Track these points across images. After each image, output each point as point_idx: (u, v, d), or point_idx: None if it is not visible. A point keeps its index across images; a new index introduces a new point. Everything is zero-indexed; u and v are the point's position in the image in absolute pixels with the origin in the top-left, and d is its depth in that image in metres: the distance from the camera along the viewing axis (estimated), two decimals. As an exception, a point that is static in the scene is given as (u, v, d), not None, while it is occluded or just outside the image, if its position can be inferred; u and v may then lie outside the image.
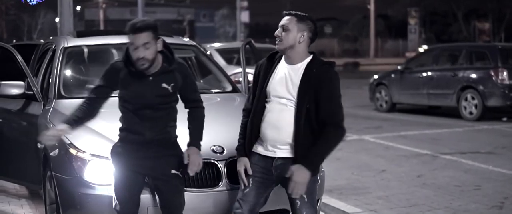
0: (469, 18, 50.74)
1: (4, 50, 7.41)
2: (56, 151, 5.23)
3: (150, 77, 4.43)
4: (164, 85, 4.44)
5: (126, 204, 4.59)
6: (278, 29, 4.43)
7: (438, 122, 14.96)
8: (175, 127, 4.62)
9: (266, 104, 4.46)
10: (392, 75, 17.34)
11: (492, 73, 14.85)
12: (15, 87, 6.31)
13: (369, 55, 60.01)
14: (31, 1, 15.40)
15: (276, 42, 4.44)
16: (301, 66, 4.42)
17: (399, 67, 17.54)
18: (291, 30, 4.40)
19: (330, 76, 4.38)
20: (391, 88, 17.04)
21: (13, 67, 7.40)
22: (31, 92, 6.34)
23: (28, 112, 6.40)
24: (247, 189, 4.51)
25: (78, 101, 6.01)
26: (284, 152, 4.44)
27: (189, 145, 4.61)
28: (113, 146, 4.62)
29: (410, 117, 15.99)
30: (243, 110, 4.66)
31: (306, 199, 4.46)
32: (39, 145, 5.89)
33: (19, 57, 6.64)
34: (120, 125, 4.62)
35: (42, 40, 8.45)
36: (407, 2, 56.17)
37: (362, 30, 65.25)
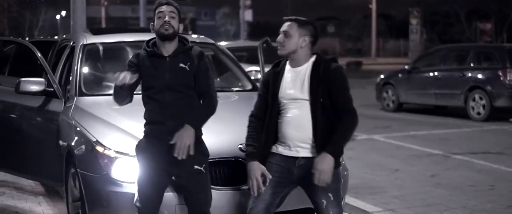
0: (471, 19, 50.64)
1: (22, 46, 7.41)
2: (82, 148, 5.23)
3: (167, 58, 4.56)
4: (181, 65, 4.56)
5: (147, 202, 4.59)
6: (280, 35, 4.53)
7: (446, 122, 14.96)
8: None
9: (281, 109, 4.54)
10: (399, 75, 17.34)
11: (500, 73, 14.85)
12: (35, 84, 6.27)
13: (371, 55, 59.97)
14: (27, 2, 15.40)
15: (278, 47, 4.54)
16: (307, 66, 4.54)
17: (406, 67, 17.53)
18: (293, 36, 4.52)
19: (337, 71, 4.51)
20: (398, 88, 17.03)
21: (28, 64, 7.40)
22: (52, 89, 6.32)
23: (48, 109, 6.38)
24: (264, 188, 4.52)
25: (100, 98, 6.08)
26: (307, 151, 4.50)
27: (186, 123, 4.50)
28: (139, 142, 4.63)
29: (418, 117, 15.98)
30: (251, 115, 4.68)
31: (332, 198, 4.49)
32: (61, 142, 5.88)
33: (39, 54, 6.63)
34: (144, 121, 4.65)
35: (44, 37, 8.44)
36: (409, 2, 56.11)
37: (363, 30, 65.20)
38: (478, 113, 15.05)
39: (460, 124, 14.44)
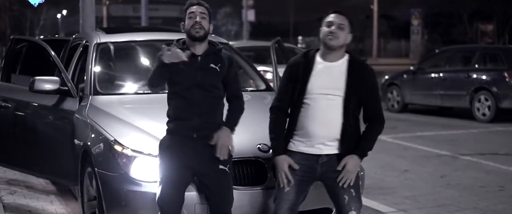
0: (473, 20, 50.55)
1: (34, 45, 7.40)
2: (99, 148, 5.21)
3: (199, 58, 4.58)
4: (212, 65, 4.59)
5: (170, 200, 4.58)
6: (333, 27, 4.47)
7: (452, 123, 14.95)
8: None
9: (307, 102, 4.48)
10: (404, 75, 17.32)
11: (506, 75, 14.82)
12: (49, 83, 6.25)
13: (372, 55, 59.99)
14: (34, 4, 15.40)
15: (330, 38, 4.46)
16: (342, 63, 4.52)
17: (411, 67, 17.53)
18: (345, 30, 4.52)
19: (373, 77, 4.58)
20: (403, 88, 17.01)
21: (39, 62, 7.40)
22: (66, 88, 6.30)
23: (62, 108, 6.35)
24: (288, 188, 4.51)
25: (114, 97, 6.08)
26: (331, 148, 4.49)
27: (223, 124, 4.61)
28: (162, 140, 4.63)
29: (423, 118, 15.98)
30: (272, 107, 4.66)
31: (354, 194, 4.52)
32: (76, 141, 5.87)
33: (53, 53, 6.62)
34: (166, 120, 4.66)
35: (51, 35, 8.40)
36: (411, 3, 56.10)
37: (365, 30, 65.20)
38: (484, 114, 15.04)
39: (466, 125, 14.42)
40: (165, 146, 4.58)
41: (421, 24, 56.75)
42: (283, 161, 4.50)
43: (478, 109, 15.16)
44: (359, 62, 4.56)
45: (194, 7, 4.63)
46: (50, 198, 7.20)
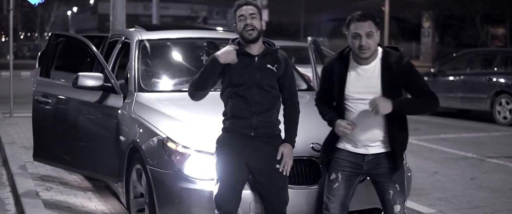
0: (484, 23, 50.43)
1: (72, 41, 7.44)
2: (150, 145, 5.21)
3: (256, 58, 4.59)
4: (269, 66, 4.60)
5: (228, 198, 4.58)
6: (363, 39, 4.31)
7: (473, 125, 14.95)
8: (279, 122, 4.68)
9: (348, 107, 4.47)
10: (425, 78, 17.29)
11: None
12: (93, 79, 6.24)
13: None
14: (34, 3, 15.46)
15: (363, 52, 4.34)
16: (375, 65, 4.42)
17: (432, 70, 17.52)
18: (374, 34, 4.37)
19: (409, 65, 4.40)
20: (423, 90, 16.97)
21: (74, 58, 7.44)
22: (109, 85, 6.31)
23: (106, 104, 6.35)
24: (336, 184, 4.54)
25: (160, 95, 6.10)
26: (376, 148, 4.49)
27: (284, 141, 4.67)
28: (219, 138, 4.63)
29: (444, 120, 15.95)
30: (316, 99, 4.72)
31: (398, 189, 4.53)
32: (122, 138, 5.88)
33: (94, 49, 6.65)
34: (215, 116, 4.71)
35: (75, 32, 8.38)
36: (422, 5, 55.92)
37: (375, 32, 65.06)
38: (505, 117, 15.03)
39: (488, 128, 14.42)
40: (222, 143, 4.60)
41: (432, 26, 56.64)
42: (341, 122, 4.41)
43: (499, 112, 15.15)
44: (392, 57, 4.40)
45: (243, 8, 4.61)
46: (88, 194, 7.16)
